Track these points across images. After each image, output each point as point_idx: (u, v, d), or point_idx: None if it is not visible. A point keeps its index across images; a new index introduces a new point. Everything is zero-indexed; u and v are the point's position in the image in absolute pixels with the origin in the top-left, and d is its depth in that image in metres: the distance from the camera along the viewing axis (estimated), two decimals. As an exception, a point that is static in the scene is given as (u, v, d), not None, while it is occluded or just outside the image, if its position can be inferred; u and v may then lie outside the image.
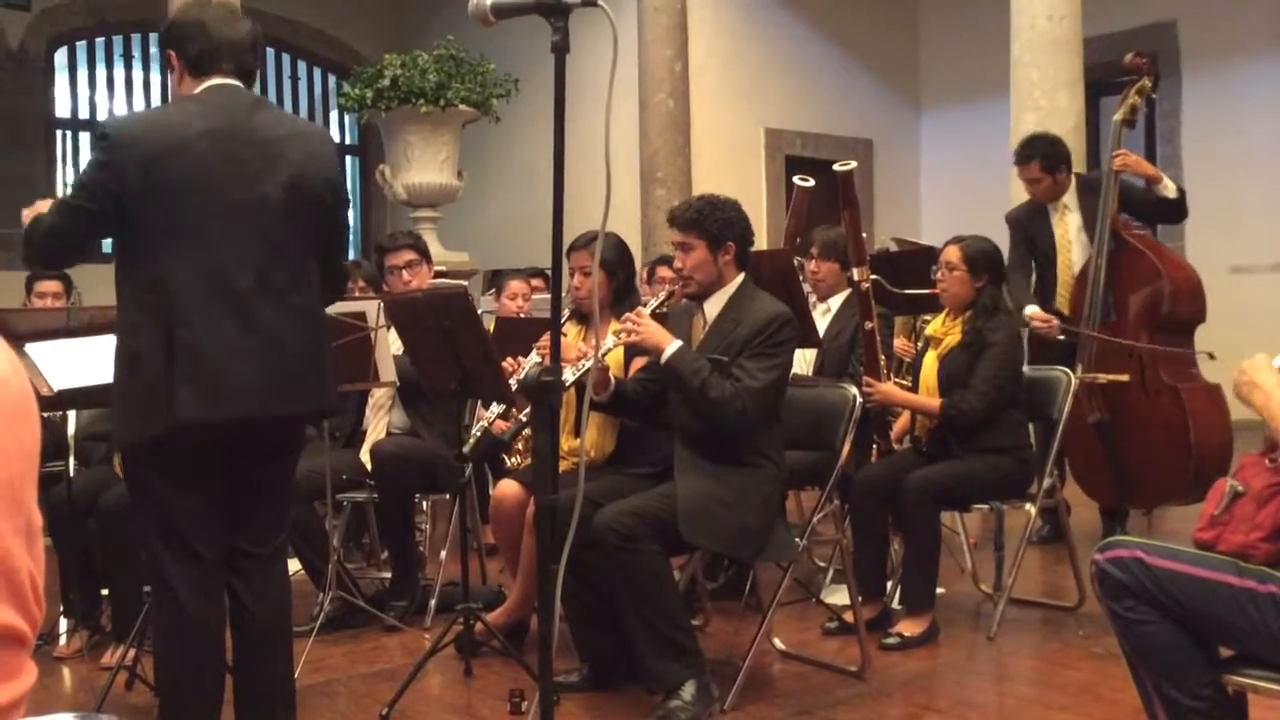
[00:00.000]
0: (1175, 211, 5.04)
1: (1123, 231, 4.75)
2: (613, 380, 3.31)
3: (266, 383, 2.58)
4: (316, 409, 2.84)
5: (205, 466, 2.63)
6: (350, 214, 2.83)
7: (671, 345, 3.16)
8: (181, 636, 2.61)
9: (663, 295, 3.48)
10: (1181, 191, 4.98)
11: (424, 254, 4.61)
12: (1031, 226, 5.05)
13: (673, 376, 3.16)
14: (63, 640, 3.93)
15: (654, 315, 3.39)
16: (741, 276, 3.32)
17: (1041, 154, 4.98)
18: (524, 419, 3.55)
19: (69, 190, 2.71)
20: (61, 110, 11.03)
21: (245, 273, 2.56)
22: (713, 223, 3.25)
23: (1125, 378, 4.64)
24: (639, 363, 3.50)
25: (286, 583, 2.88)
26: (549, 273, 6.20)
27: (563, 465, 3.33)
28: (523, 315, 5.13)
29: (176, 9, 2.80)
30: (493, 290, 6.90)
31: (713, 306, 3.32)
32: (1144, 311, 4.69)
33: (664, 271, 4.93)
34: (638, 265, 4.61)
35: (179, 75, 2.72)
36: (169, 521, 2.61)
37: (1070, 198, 5.01)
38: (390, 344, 4.04)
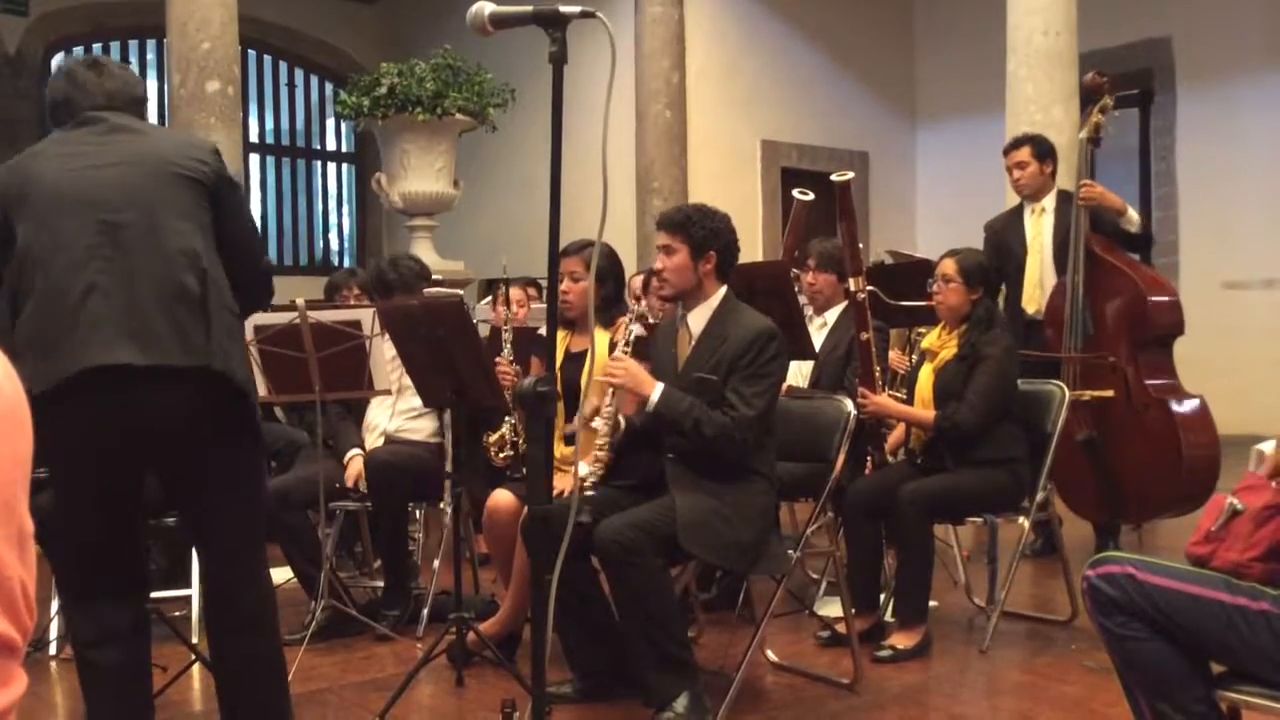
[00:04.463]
0: (1139, 244, 5.09)
1: (1098, 249, 4.78)
2: (623, 422, 3.30)
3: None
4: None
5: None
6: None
7: (655, 391, 3.12)
8: (84, 672, 2.57)
9: (634, 330, 3.36)
10: (1145, 228, 5.07)
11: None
12: (1006, 233, 5.15)
13: (663, 422, 3.14)
14: (52, 647, 3.91)
15: (642, 330, 3.38)
16: (724, 290, 3.31)
17: (1033, 141, 5.16)
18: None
19: None
20: (58, 116, 11.03)
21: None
22: (699, 229, 3.24)
23: (1110, 393, 4.66)
24: (630, 404, 3.48)
25: (253, 640, 2.65)
26: (541, 281, 6.22)
27: (556, 475, 3.33)
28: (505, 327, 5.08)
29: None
30: (489, 298, 6.91)
31: (697, 321, 3.30)
32: (1122, 327, 4.72)
33: (635, 283, 4.92)
34: (632, 275, 4.62)
35: None
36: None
37: (1050, 201, 5.10)
38: (386, 353, 4.04)
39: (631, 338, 3.24)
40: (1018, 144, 5.18)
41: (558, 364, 3.66)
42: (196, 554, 2.76)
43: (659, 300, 3.96)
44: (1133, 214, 4.92)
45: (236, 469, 2.61)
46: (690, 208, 3.34)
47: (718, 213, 3.32)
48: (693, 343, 3.29)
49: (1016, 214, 5.19)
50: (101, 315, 2.40)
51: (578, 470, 2.86)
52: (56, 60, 11.06)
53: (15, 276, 2.49)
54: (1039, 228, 5.07)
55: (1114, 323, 4.75)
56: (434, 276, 4.92)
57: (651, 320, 3.87)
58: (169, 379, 2.44)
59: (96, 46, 11.31)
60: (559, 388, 3.33)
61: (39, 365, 2.38)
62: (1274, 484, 2.16)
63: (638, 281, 5.05)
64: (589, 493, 3.21)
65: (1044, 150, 5.11)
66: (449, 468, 4.15)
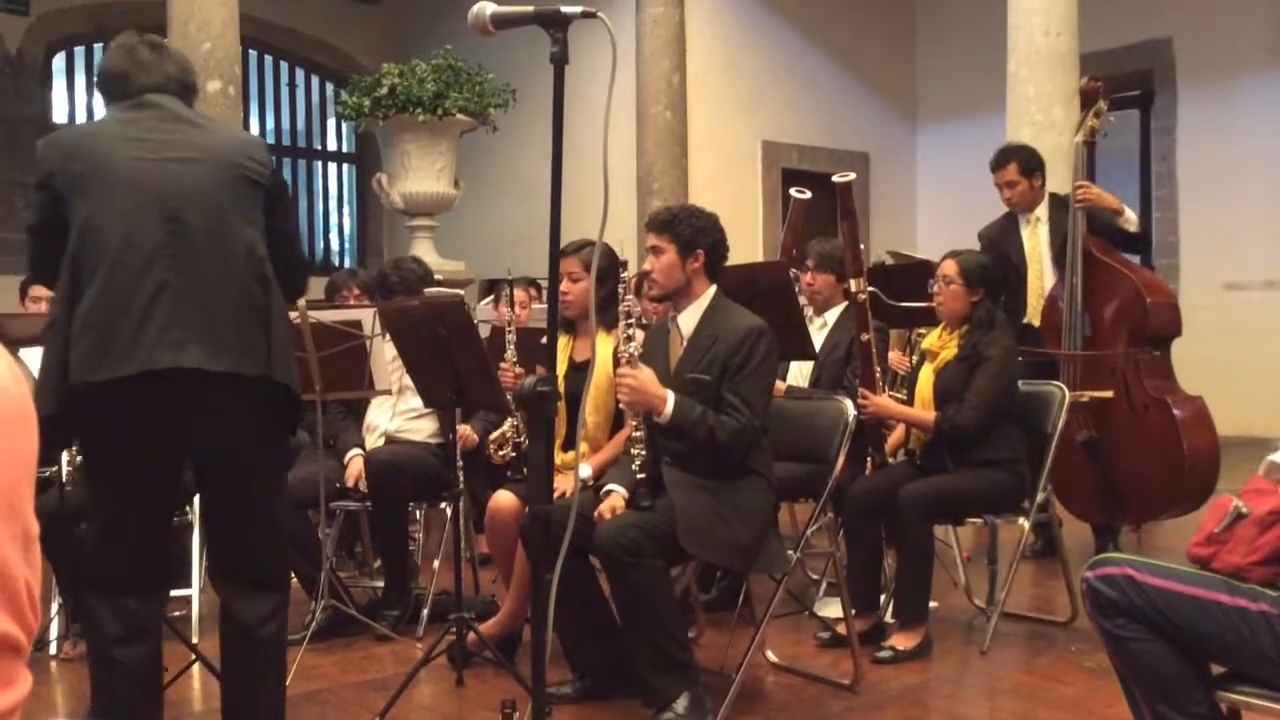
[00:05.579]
0: (1137, 244, 5.08)
1: (1096, 251, 4.78)
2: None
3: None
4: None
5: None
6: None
7: (669, 402, 3.10)
8: (108, 674, 2.55)
9: (633, 348, 3.22)
10: (1144, 227, 5.07)
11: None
12: (1003, 242, 5.08)
13: (678, 432, 3.13)
14: (52, 647, 3.92)
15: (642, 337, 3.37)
16: (713, 289, 3.31)
17: (1019, 157, 5.06)
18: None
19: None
20: (59, 116, 11.04)
21: None
22: (685, 228, 3.25)
23: (1109, 394, 4.66)
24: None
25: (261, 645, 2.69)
26: (541, 282, 6.22)
27: (556, 476, 3.33)
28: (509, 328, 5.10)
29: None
30: (490, 299, 6.90)
31: (687, 321, 3.30)
32: (1121, 328, 4.72)
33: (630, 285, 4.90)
34: (631, 277, 4.61)
35: None
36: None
37: (1043, 210, 5.07)
38: (386, 354, 4.04)
39: (636, 350, 3.22)
40: (1003, 161, 5.05)
41: (562, 373, 3.67)
42: (212, 548, 2.75)
43: (650, 302, 3.96)
44: (1130, 214, 4.92)
45: (272, 469, 2.71)
46: (677, 207, 3.36)
47: (704, 212, 3.33)
48: (684, 343, 3.28)
49: (1011, 223, 5.12)
50: (172, 317, 2.43)
51: (577, 471, 2.86)
52: (58, 60, 11.06)
53: (75, 257, 2.48)
54: (1036, 238, 5.04)
55: (1113, 324, 4.75)
56: (436, 278, 4.92)
57: (645, 322, 3.86)
58: (230, 385, 2.49)
59: (98, 46, 11.31)
60: (563, 398, 3.34)
61: (98, 354, 2.41)
62: None
63: (632, 284, 5.05)
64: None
65: (1031, 166, 5.00)
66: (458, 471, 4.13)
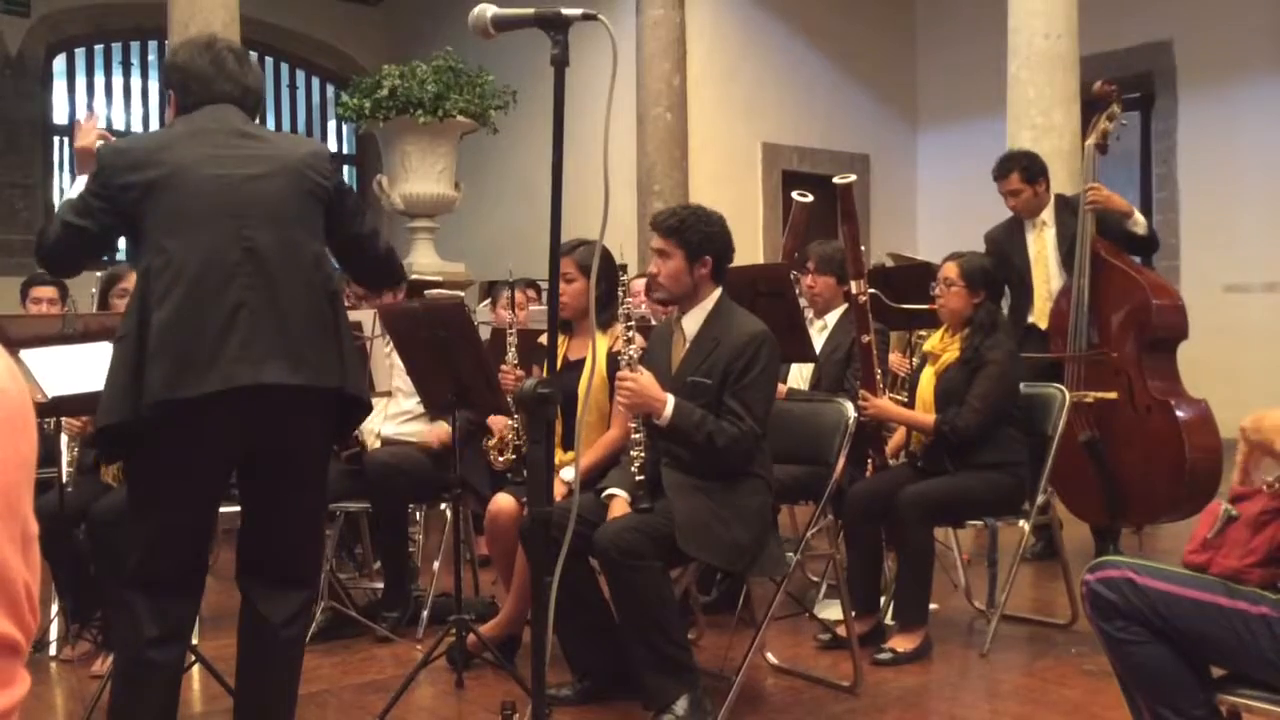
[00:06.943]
0: (1144, 246, 5.08)
1: (1104, 253, 4.78)
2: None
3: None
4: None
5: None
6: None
7: (669, 404, 3.11)
8: (137, 672, 2.55)
9: (632, 350, 3.23)
10: (1151, 230, 5.07)
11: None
12: (1008, 245, 5.09)
13: (677, 435, 3.13)
14: (52, 648, 3.91)
15: (643, 341, 3.36)
16: (718, 292, 3.30)
17: (1020, 165, 5.07)
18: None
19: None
20: (59, 117, 11.05)
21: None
22: (693, 234, 3.22)
23: (1114, 395, 4.66)
24: (619, 421, 3.47)
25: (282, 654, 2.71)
26: (540, 283, 6.22)
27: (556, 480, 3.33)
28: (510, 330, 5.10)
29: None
30: (489, 300, 6.91)
31: (691, 323, 3.29)
32: (1128, 330, 4.72)
33: (635, 285, 4.89)
34: (632, 277, 4.60)
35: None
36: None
37: (1049, 214, 5.08)
38: (386, 355, 4.03)
39: (636, 353, 3.21)
40: (1005, 170, 5.06)
41: (557, 368, 3.67)
42: (246, 546, 2.74)
43: (655, 304, 3.95)
44: (1139, 216, 4.92)
45: (323, 472, 2.77)
46: (685, 211, 3.31)
47: (712, 215, 3.29)
48: (687, 345, 3.28)
49: (1016, 225, 5.13)
50: (250, 334, 2.47)
51: (578, 470, 2.85)
52: (59, 61, 11.06)
53: (148, 272, 2.49)
54: (1042, 242, 5.04)
55: (1119, 326, 4.74)
56: (435, 277, 4.91)
57: (653, 322, 3.86)
58: (306, 397, 2.55)
59: (99, 47, 11.33)
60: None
61: (178, 371, 2.43)
62: (1266, 488, 2.16)
63: (638, 284, 5.05)
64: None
65: (1033, 173, 5.02)
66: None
